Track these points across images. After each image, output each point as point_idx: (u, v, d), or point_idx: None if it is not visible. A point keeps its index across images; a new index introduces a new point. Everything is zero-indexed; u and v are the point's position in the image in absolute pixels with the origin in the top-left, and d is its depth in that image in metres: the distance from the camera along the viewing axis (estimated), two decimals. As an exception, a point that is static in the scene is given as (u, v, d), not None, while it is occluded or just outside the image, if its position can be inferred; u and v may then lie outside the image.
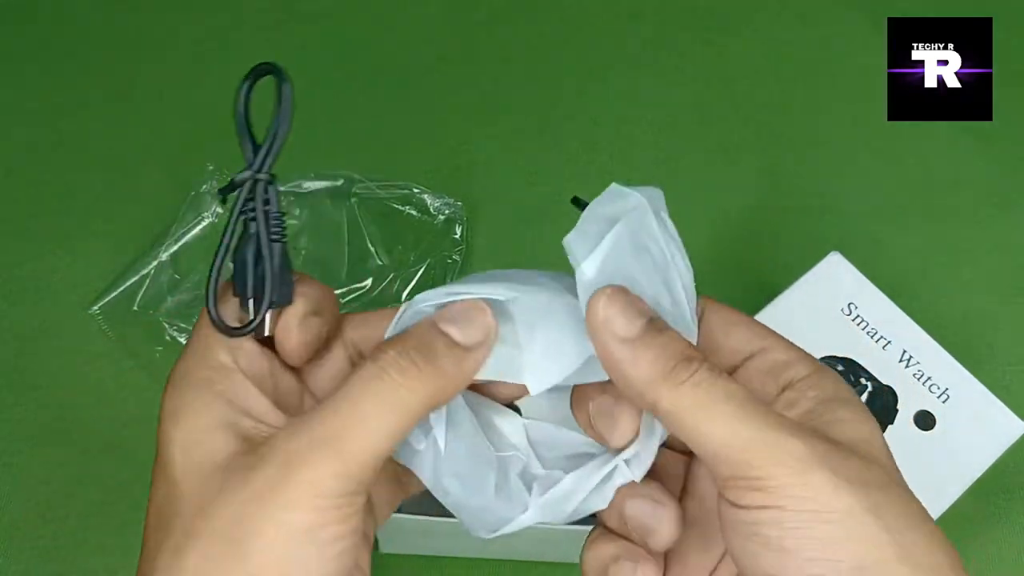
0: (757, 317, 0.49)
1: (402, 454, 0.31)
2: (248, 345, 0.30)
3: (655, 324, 0.29)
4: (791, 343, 0.32)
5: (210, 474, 0.27)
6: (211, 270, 0.30)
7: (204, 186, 0.60)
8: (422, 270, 0.59)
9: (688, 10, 0.70)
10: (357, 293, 0.58)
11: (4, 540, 0.53)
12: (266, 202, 0.31)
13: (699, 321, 0.31)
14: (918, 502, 0.29)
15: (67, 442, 0.55)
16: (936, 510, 0.45)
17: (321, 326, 0.31)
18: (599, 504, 0.31)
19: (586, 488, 0.31)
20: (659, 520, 0.31)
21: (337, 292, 0.58)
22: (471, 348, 0.29)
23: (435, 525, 0.46)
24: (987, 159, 0.66)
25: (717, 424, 0.28)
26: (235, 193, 0.31)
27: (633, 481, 0.31)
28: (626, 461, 0.31)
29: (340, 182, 0.61)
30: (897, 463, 0.49)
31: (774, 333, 0.32)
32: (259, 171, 0.31)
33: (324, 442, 0.27)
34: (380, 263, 0.59)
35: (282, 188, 0.61)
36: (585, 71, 0.67)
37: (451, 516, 0.32)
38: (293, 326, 0.31)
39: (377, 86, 0.67)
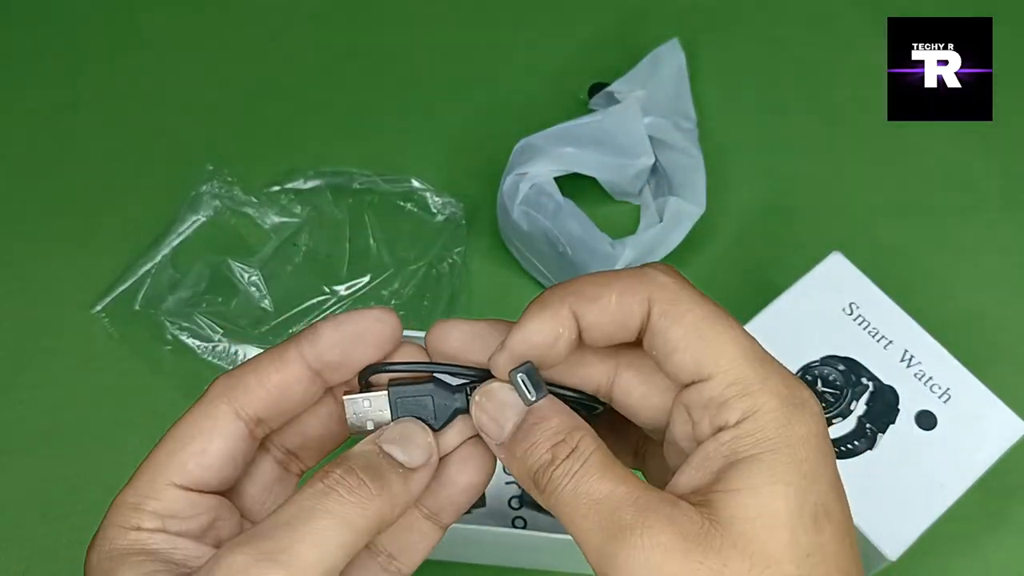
0: (758, 317, 0.50)
1: None
2: (175, 506, 0.29)
3: (533, 414, 0.28)
4: (744, 367, 0.27)
5: None
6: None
7: (204, 186, 0.60)
8: (423, 270, 0.59)
9: (689, 10, 0.70)
10: (354, 289, 0.58)
11: (4, 540, 0.52)
12: None
13: (649, 319, 0.28)
14: None
15: (67, 442, 0.55)
16: (937, 510, 0.45)
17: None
18: None
19: None
20: None
21: (335, 288, 0.59)
22: (415, 469, 0.29)
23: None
24: (987, 159, 0.66)
25: (576, 530, 0.27)
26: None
27: None
28: None
29: (340, 178, 0.61)
30: (898, 464, 0.49)
31: (730, 350, 0.27)
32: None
33: (273, 558, 0.25)
34: (382, 260, 0.59)
35: (285, 186, 0.61)
36: (588, 69, 0.67)
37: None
38: None
39: (379, 84, 0.67)
